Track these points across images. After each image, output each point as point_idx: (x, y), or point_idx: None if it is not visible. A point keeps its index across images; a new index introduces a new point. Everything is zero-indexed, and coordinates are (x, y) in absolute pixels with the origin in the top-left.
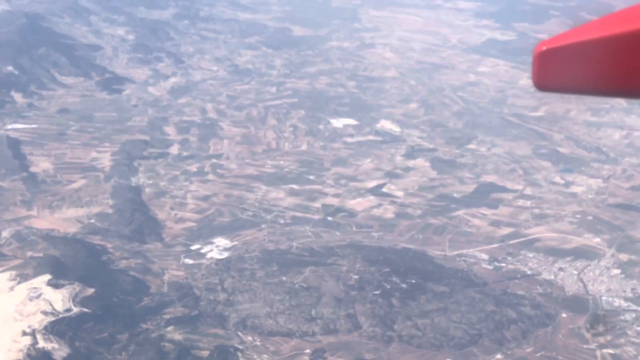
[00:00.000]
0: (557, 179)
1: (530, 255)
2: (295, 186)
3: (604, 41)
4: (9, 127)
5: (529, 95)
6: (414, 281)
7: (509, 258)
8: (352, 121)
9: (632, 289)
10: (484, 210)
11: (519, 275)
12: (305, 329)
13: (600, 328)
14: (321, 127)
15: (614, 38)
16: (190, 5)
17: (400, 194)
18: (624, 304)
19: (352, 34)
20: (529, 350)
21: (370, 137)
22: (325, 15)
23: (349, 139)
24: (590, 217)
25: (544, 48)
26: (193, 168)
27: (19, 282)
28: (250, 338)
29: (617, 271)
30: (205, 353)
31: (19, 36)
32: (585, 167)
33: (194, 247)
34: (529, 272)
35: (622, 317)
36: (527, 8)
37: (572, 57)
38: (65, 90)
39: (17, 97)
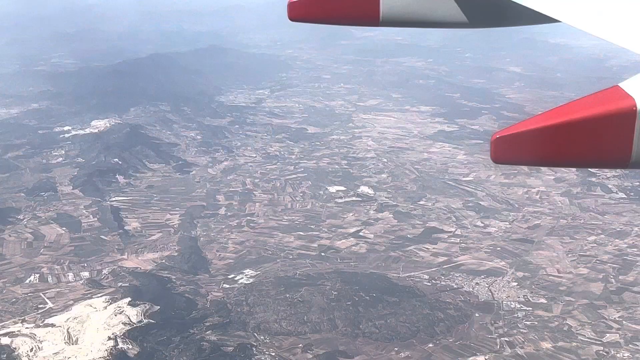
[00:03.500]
0: (479, 223)
1: (457, 275)
2: (301, 233)
3: (537, 130)
4: (113, 199)
5: (463, 166)
6: (374, 295)
7: (442, 277)
8: (342, 188)
9: (524, 296)
10: (427, 246)
11: (447, 289)
12: (300, 329)
13: None
14: (321, 192)
15: (541, 129)
16: (240, 115)
17: (371, 236)
18: (518, 306)
19: (346, 130)
20: (451, 340)
21: (354, 198)
22: (330, 119)
23: (339, 200)
24: (499, 248)
25: (498, 136)
26: (234, 223)
27: (110, 303)
28: (262, 337)
29: (514, 284)
30: (231, 349)
31: (124, 139)
32: (498, 215)
33: (230, 276)
34: (454, 286)
35: (516, 315)
36: (466, 109)
37: (517, 141)
38: (152, 173)
39: (120, 179)
